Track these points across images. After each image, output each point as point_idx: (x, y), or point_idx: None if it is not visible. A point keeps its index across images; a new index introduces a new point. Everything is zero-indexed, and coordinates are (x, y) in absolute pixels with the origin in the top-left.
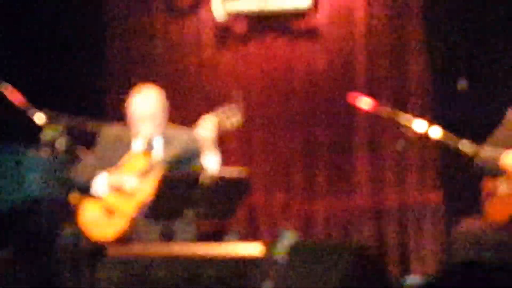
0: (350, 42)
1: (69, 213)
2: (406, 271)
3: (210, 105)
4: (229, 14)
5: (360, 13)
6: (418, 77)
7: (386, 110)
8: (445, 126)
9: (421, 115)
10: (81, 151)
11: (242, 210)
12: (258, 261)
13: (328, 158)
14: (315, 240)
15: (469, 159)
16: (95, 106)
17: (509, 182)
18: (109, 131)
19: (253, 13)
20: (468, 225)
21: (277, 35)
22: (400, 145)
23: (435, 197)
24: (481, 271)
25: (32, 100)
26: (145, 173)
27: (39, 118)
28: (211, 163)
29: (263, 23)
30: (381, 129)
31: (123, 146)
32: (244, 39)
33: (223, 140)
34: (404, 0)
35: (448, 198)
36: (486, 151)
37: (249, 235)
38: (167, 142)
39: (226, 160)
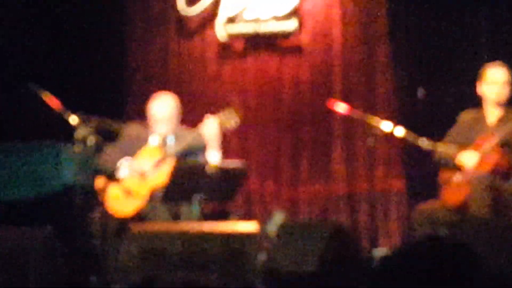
0: (329, 58)
1: (98, 197)
2: (374, 245)
3: (213, 110)
4: (229, 35)
5: (337, 33)
6: (385, 86)
7: (358, 113)
8: (407, 126)
9: (387, 118)
10: (107, 146)
11: (240, 194)
12: (253, 236)
13: (310, 152)
14: (300, 219)
15: (428, 153)
16: (118, 110)
17: (462, 173)
18: (130, 128)
19: (249, 34)
20: (426, 207)
21: (269, 52)
22: (370, 141)
23: (399, 184)
24: (436, 245)
25: (67, 105)
26: (158, 163)
27: (73, 119)
28: (213, 159)
29: (258, 43)
30: (354, 129)
31: (142, 140)
32: (242, 55)
33: (224, 137)
34: (373, 23)
35: (410, 186)
36: (442, 147)
37: (246, 216)
38: (178, 139)
39: (226, 154)
